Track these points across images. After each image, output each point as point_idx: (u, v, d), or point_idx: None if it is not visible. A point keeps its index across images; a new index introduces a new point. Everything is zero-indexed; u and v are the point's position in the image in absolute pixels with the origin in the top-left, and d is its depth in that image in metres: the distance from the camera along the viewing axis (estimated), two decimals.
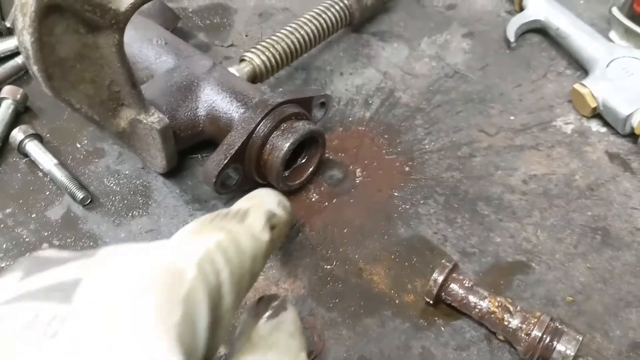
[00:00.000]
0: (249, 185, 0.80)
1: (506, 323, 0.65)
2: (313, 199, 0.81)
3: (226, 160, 0.73)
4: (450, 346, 0.67)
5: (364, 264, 0.75)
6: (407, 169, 0.84)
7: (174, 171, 0.83)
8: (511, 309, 0.65)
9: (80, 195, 0.80)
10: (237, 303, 0.46)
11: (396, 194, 0.82)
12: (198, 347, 0.40)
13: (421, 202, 0.81)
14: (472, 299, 0.66)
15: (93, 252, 0.42)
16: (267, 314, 0.52)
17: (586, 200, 0.80)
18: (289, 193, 0.81)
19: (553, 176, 0.83)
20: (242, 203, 0.58)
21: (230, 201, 0.80)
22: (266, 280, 0.73)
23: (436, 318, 0.69)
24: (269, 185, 0.79)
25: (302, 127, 0.75)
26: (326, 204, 0.81)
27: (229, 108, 0.78)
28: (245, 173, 0.77)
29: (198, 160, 0.85)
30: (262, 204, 0.56)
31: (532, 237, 0.76)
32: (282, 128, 0.75)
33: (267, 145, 0.75)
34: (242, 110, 0.76)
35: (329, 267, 0.74)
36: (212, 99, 0.79)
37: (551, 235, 0.77)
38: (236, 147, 0.73)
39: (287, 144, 0.74)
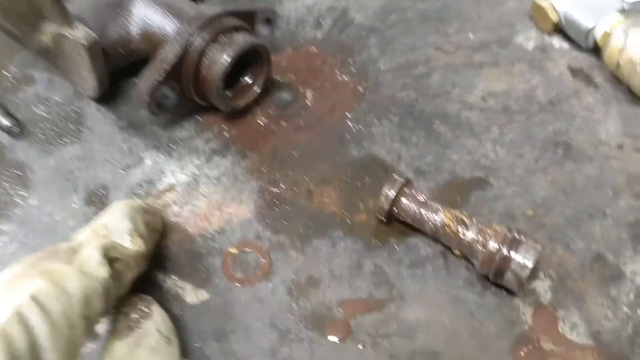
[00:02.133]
0: (188, 107, 0.74)
1: (461, 236, 0.61)
2: (260, 122, 0.76)
3: (160, 77, 0.67)
4: (404, 263, 0.63)
5: (314, 185, 0.70)
6: (360, 89, 0.79)
7: (108, 97, 0.77)
8: (466, 221, 0.61)
9: (6, 123, 0.73)
10: (66, 350, 0.44)
11: (349, 115, 0.77)
12: None
13: (375, 122, 0.76)
14: (425, 212, 0.62)
15: None
16: (125, 328, 0.50)
17: (547, 115, 0.76)
18: (235, 115, 0.75)
19: (513, 92, 0.78)
20: (80, 234, 0.55)
21: (169, 125, 0.75)
22: (209, 205, 0.68)
23: (389, 237, 0.65)
24: (211, 106, 0.74)
25: (242, 39, 0.69)
26: (275, 127, 0.76)
27: (163, 22, 0.71)
28: (183, 92, 0.71)
29: (134, 83, 0.79)
30: (100, 236, 0.53)
31: (490, 154, 0.72)
32: (221, 41, 0.69)
33: (205, 60, 0.69)
34: (177, 24, 0.70)
35: (276, 190, 0.70)
36: (145, 14, 0.72)
37: (510, 151, 0.73)
38: (170, 63, 0.67)
39: (227, 57, 0.68)
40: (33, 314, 0.41)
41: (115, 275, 0.51)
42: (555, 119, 0.76)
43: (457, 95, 0.78)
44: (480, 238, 0.60)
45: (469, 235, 0.60)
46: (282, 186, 0.70)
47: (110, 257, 0.51)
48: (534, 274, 0.62)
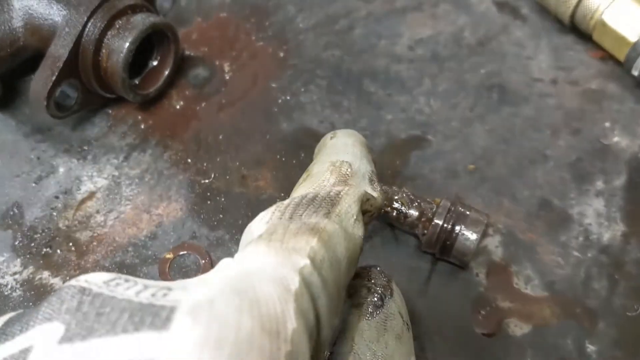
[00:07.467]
0: (94, 103, 0.67)
1: (402, 217, 0.57)
2: (177, 107, 0.70)
3: (54, 77, 0.60)
4: None
5: (247, 170, 0.65)
6: (281, 54, 0.74)
7: (5, 101, 0.69)
8: (406, 200, 0.57)
9: None
10: (332, 330, 0.36)
11: (273, 84, 0.71)
12: None
13: (302, 89, 0.71)
14: None
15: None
16: (371, 306, 0.43)
17: (478, 57, 0.73)
18: (148, 102, 0.69)
19: (440, 37, 0.75)
20: (322, 170, 0.44)
21: (79, 124, 0.68)
22: (135, 209, 0.63)
23: None
24: (121, 97, 0.67)
25: (141, 20, 0.62)
26: (195, 109, 0.70)
27: (48, 12, 0.63)
28: (86, 87, 0.64)
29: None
30: (346, 178, 0.43)
31: (424, 108, 0.69)
32: (117, 26, 0.62)
33: (103, 50, 0.62)
34: (64, 12, 0.62)
35: (207, 181, 0.65)
36: (28, 4, 0.64)
37: (445, 102, 0.69)
38: (63, 59, 0.60)
39: (126, 44, 0.61)
40: (315, 281, 0.34)
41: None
42: (486, 60, 0.73)
43: (384, 47, 0.74)
44: (422, 216, 0.57)
45: (410, 213, 0.57)
46: (213, 175, 0.65)
47: (363, 211, 0.43)
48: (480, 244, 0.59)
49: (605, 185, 0.64)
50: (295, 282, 0.32)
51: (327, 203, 0.40)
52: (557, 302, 0.58)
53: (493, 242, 0.60)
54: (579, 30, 0.73)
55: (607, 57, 0.72)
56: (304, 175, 0.46)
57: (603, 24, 0.69)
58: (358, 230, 0.40)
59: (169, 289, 0.30)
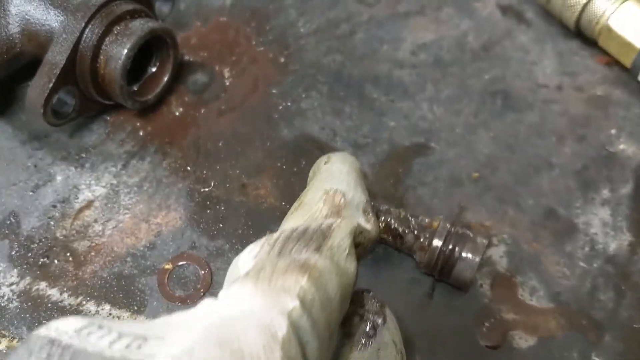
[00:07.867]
0: (92, 109, 0.66)
1: (399, 239, 0.56)
2: (177, 113, 0.69)
3: (51, 84, 0.59)
4: None
5: (247, 178, 0.64)
6: (282, 59, 0.73)
7: (1, 107, 0.68)
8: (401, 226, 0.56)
9: None
10: None
11: (274, 90, 0.70)
12: None
13: (303, 95, 0.70)
14: None
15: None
16: (364, 337, 0.41)
17: (482, 63, 0.72)
18: (147, 109, 0.68)
19: (443, 42, 0.73)
20: (314, 200, 0.43)
21: (76, 131, 0.67)
22: (134, 218, 0.62)
23: None
24: (117, 105, 0.66)
25: (139, 26, 0.61)
26: (194, 115, 0.69)
27: (46, 18, 0.62)
28: (83, 94, 0.63)
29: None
30: (339, 209, 0.42)
31: (428, 115, 0.68)
32: (116, 32, 0.61)
33: (101, 56, 0.61)
34: (61, 18, 0.61)
35: (206, 189, 0.64)
36: (25, 10, 0.63)
37: (448, 108, 0.68)
38: (60, 66, 0.59)
39: (125, 51, 0.60)
40: (304, 325, 0.33)
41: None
42: (490, 65, 0.72)
43: (386, 52, 0.73)
44: (418, 240, 0.55)
45: (407, 239, 0.55)
46: (212, 183, 0.64)
47: (356, 243, 0.43)
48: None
49: (611, 194, 0.63)
50: (282, 328, 0.31)
51: (319, 236, 0.39)
52: (562, 314, 0.57)
53: (497, 252, 0.59)
54: (585, 36, 0.72)
55: (613, 62, 0.71)
56: (296, 204, 0.45)
57: (609, 30, 0.68)
58: (350, 265, 0.39)
59: (145, 339, 0.28)
